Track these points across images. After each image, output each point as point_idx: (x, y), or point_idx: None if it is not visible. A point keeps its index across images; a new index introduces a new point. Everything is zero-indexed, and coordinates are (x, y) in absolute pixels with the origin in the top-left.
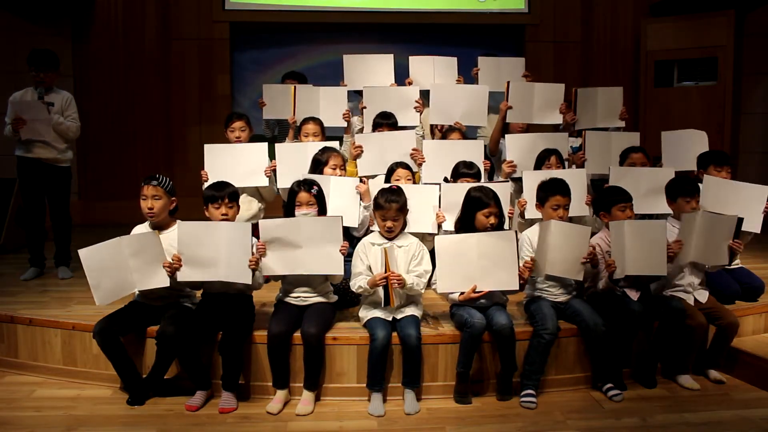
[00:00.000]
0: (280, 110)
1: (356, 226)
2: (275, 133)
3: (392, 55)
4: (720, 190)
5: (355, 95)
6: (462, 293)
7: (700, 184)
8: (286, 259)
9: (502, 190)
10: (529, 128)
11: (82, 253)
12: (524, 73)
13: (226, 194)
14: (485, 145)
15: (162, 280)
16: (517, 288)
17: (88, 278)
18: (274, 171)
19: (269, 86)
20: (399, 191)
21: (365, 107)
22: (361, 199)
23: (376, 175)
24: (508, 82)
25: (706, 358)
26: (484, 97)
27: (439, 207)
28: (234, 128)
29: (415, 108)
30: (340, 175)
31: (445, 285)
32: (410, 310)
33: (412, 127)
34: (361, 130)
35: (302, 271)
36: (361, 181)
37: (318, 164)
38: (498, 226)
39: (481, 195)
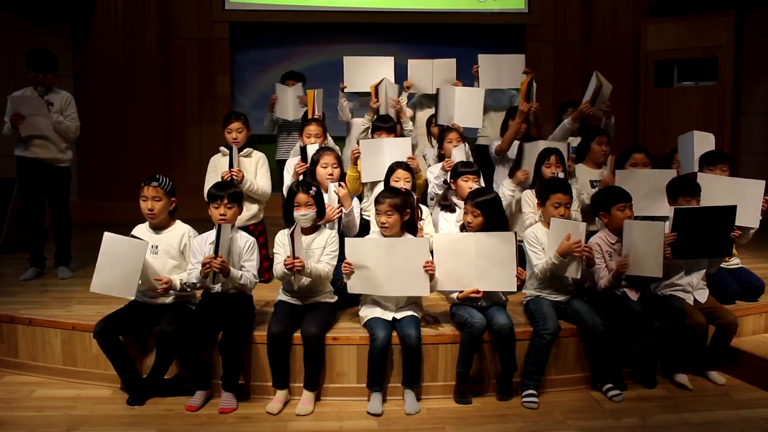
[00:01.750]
0: (290, 111)
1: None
2: (274, 132)
3: (392, 58)
4: (715, 187)
5: (355, 96)
6: (460, 291)
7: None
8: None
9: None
10: (529, 130)
11: (107, 236)
12: (525, 69)
13: (226, 195)
14: (482, 146)
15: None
16: (515, 289)
17: (99, 261)
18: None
19: (282, 87)
20: (400, 192)
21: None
22: (342, 204)
23: (378, 182)
24: (531, 78)
25: (706, 358)
26: (479, 99)
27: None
28: (231, 129)
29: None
30: (331, 174)
31: (441, 284)
32: (410, 310)
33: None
34: (367, 130)
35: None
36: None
37: (313, 164)
38: (489, 227)
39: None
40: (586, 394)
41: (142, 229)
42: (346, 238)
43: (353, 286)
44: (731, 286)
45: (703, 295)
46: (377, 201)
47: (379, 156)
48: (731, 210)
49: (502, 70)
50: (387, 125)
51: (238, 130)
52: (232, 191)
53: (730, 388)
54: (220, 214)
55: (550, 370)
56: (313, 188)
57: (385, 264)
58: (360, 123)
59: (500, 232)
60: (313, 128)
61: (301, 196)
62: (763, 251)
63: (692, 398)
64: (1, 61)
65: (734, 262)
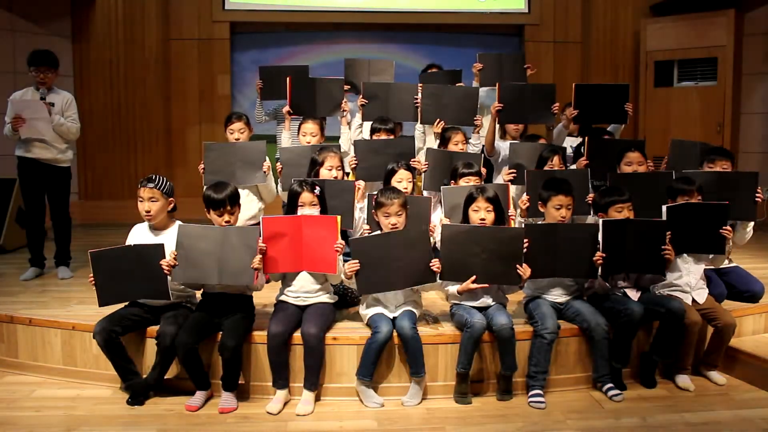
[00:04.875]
0: (278, 92)
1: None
2: (265, 119)
3: (393, 61)
4: (707, 183)
5: (354, 95)
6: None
7: None
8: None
9: (501, 192)
10: (527, 129)
11: (92, 254)
12: (527, 65)
13: (227, 199)
14: (483, 146)
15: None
16: (518, 286)
17: (95, 279)
18: (280, 173)
19: (265, 67)
20: (398, 189)
21: (365, 103)
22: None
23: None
24: (499, 83)
25: (705, 358)
26: (474, 98)
27: (442, 212)
28: (233, 129)
29: (415, 105)
30: (336, 176)
31: (444, 274)
32: (407, 307)
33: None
34: (360, 126)
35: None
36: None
37: (314, 164)
38: (498, 222)
39: (473, 191)
40: (586, 394)
41: (141, 229)
42: (350, 238)
43: (364, 287)
44: (718, 287)
45: (701, 296)
46: (382, 204)
47: (381, 157)
48: (723, 207)
49: (502, 69)
50: (386, 126)
51: (240, 130)
52: (230, 194)
53: (730, 388)
54: (225, 221)
55: (550, 369)
56: (317, 187)
57: (391, 258)
58: (356, 119)
59: (511, 227)
60: (310, 126)
61: (306, 195)
62: (762, 251)
63: (692, 398)
64: (1, 61)
65: (726, 262)
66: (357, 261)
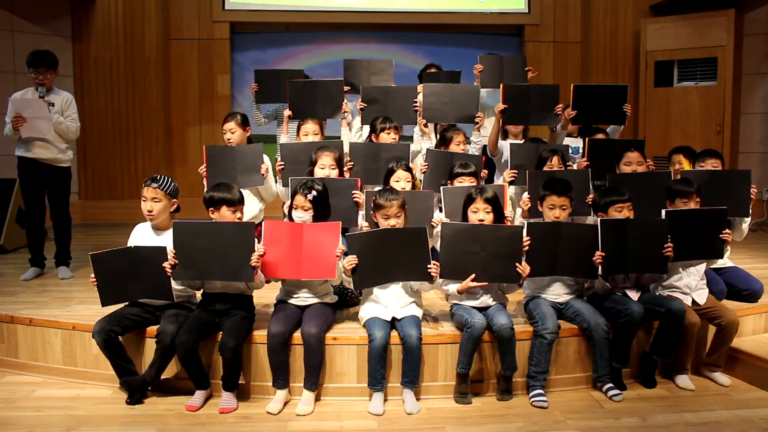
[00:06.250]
0: (273, 96)
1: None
2: (264, 122)
3: (393, 61)
4: (701, 181)
5: (354, 95)
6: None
7: None
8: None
9: (500, 193)
10: (528, 130)
11: (93, 256)
12: (528, 68)
13: (241, 196)
14: (485, 146)
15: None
16: (518, 284)
17: (96, 281)
18: (281, 171)
19: (261, 70)
20: (396, 190)
21: (364, 106)
22: (358, 207)
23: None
24: (504, 84)
25: (707, 359)
26: (475, 97)
27: (443, 213)
28: (225, 129)
29: (414, 109)
30: (329, 175)
31: (444, 273)
32: (410, 310)
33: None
34: (360, 129)
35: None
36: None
37: (312, 164)
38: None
39: (472, 191)
40: (586, 394)
41: (143, 229)
42: (346, 234)
43: (359, 281)
44: (718, 285)
45: (702, 296)
46: (380, 206)
47: (380, 159)
48: (722, 212)
49: (503, 70)
50: (392, 125)
51: (231, 130)
52: (239, 189)
53: (730, 388)
54: (238, 218)
55: (550, 370)
56: (314, 191)
57: (387, 254)
58: (356, 122)
59: (510, 225)
60: (310, 127)
61: (299, 199)
62: (762, 251)
63: (692, 398)
64: (1, 61)
65: (721, 262)
66: (355, 256)
